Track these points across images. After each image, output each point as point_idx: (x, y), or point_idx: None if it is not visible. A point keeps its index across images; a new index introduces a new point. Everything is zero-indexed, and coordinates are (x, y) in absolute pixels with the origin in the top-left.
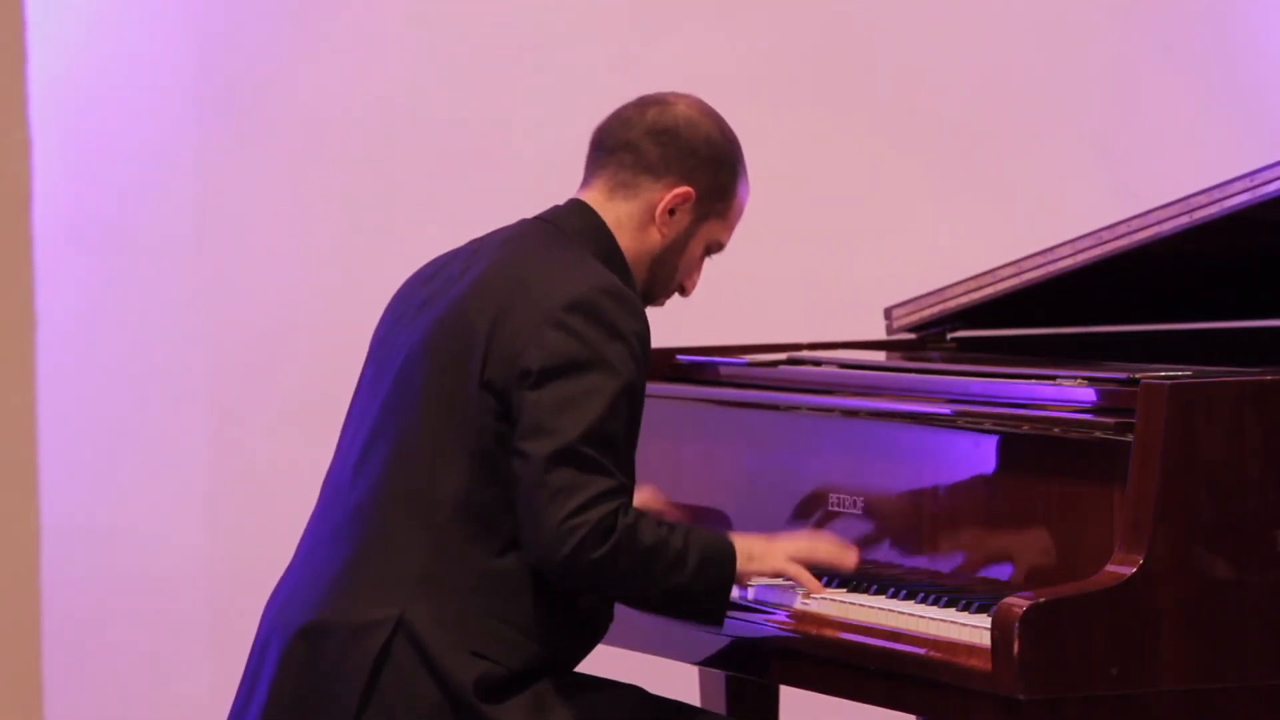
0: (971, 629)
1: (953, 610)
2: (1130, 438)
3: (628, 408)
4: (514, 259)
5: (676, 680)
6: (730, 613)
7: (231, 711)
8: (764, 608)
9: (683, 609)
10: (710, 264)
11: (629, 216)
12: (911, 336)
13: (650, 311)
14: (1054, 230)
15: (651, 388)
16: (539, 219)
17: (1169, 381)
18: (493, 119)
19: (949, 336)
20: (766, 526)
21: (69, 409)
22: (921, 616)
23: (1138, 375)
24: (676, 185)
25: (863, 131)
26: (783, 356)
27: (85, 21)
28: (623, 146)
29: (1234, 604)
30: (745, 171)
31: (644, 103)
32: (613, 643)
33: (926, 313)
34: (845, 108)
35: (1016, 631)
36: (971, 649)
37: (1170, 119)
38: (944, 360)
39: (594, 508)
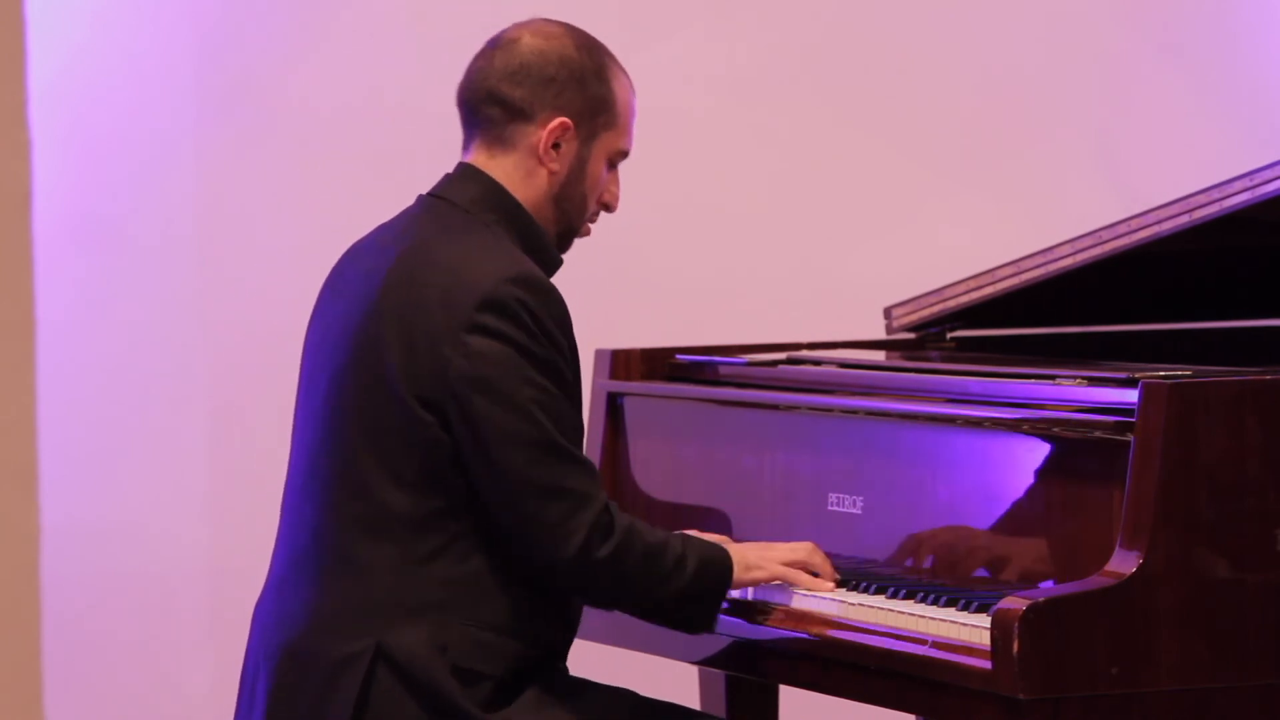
0: (971, 628)
1: (952, 610)
2: (1130, 437)
3: (569, 392)
4: (415, 256)
5: (676, 680)
6: (729, 613)
7: None
8: (763, 607)
9: (677, 616)
10: (710, 262)
11: (515, 167)
12: (911, 336)
13: (647, 311)
14: (1054, 230)
15: (651, 387)
16: (435, 196)
17: (1169, 381)
18: None
19: (949, 336)
20: (766, 526)
21: (69, 407)
22: (921, 616)
23: (1137, 375)
24: (550, 120)
25: (862, 131)
26: (782, 356)
27: (85, 21)
28: (485, 100)
29: (1234, 604)
30: (617, 70)
31: (490, 48)
32: (611, 642)
33: (926, 312)
34: (844, 107)
35: (1016, 631)
36: (971, 648)
37: (1170, 118)
38: (943, 360)
39: (586, 506)
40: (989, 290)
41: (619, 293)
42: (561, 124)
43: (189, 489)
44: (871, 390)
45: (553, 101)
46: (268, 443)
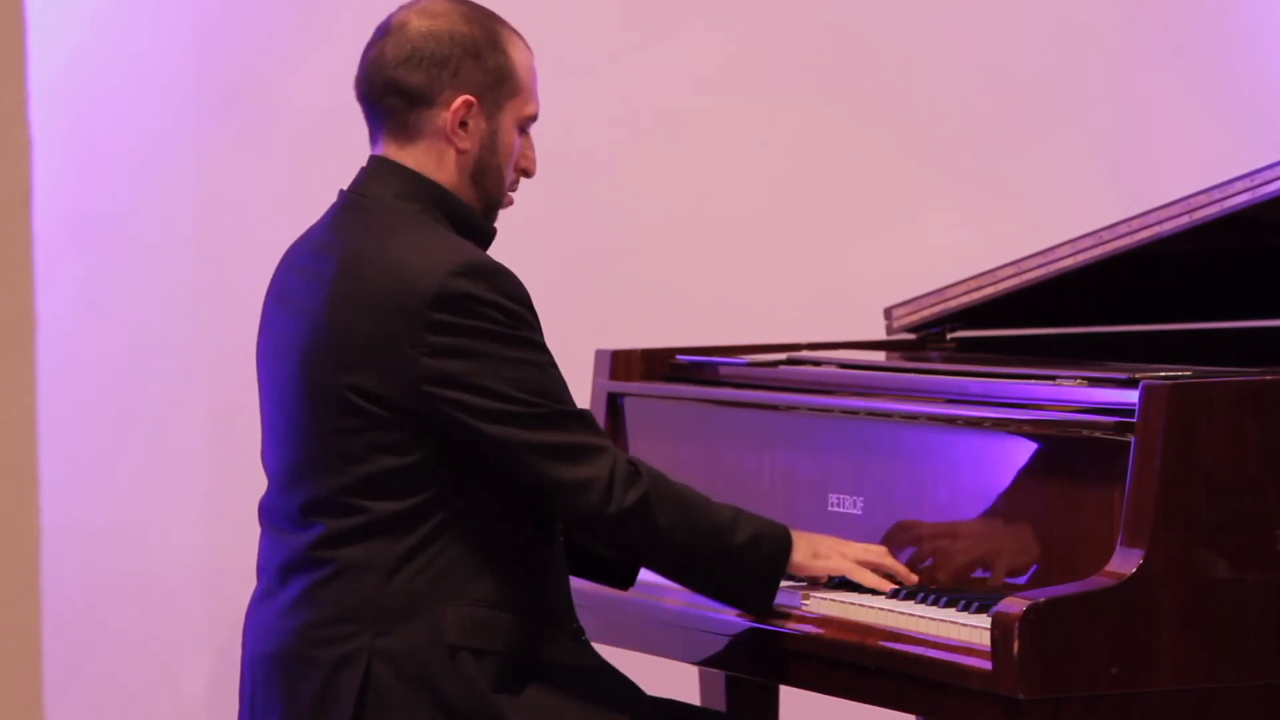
0: (971, 629)
1: (952, 610)
2: (1130, 438)
3: (545, 357)
4: (356, 264)
5: (676, 681)
6: (731, 613)
7: None
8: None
9: (729, 587)
10: (711, 263)
11: (426, 153)
12: (911, 337)
13: (647, 311)
14: (1054, 230)
15: (651, 388)
16: (356, 194)
17: (1169, 382)
18: None
19: (949, 336)
20: None
21: (69, 407)
22: (921, 616)
23: (1138, 375)
24: (452, 100)
25: (862, 131)
26: (782, 356)
27: (85, 20)
28: (383, 91)
29: (1234, 604)
30: (511, 35)
31: (379, 37)
32: (609, 642)
33: (926, 313)
34: (844, 107)
35: (1016, 631)
36: (971, 649)
37: (1171, 119)
38: (944, 360)
39: (599, 456)
40: (989, 291)
41: (619, 293)
42: (465, 102)
43: (189, 489)
44: (872, 391)
45: (451, 81)
46: None
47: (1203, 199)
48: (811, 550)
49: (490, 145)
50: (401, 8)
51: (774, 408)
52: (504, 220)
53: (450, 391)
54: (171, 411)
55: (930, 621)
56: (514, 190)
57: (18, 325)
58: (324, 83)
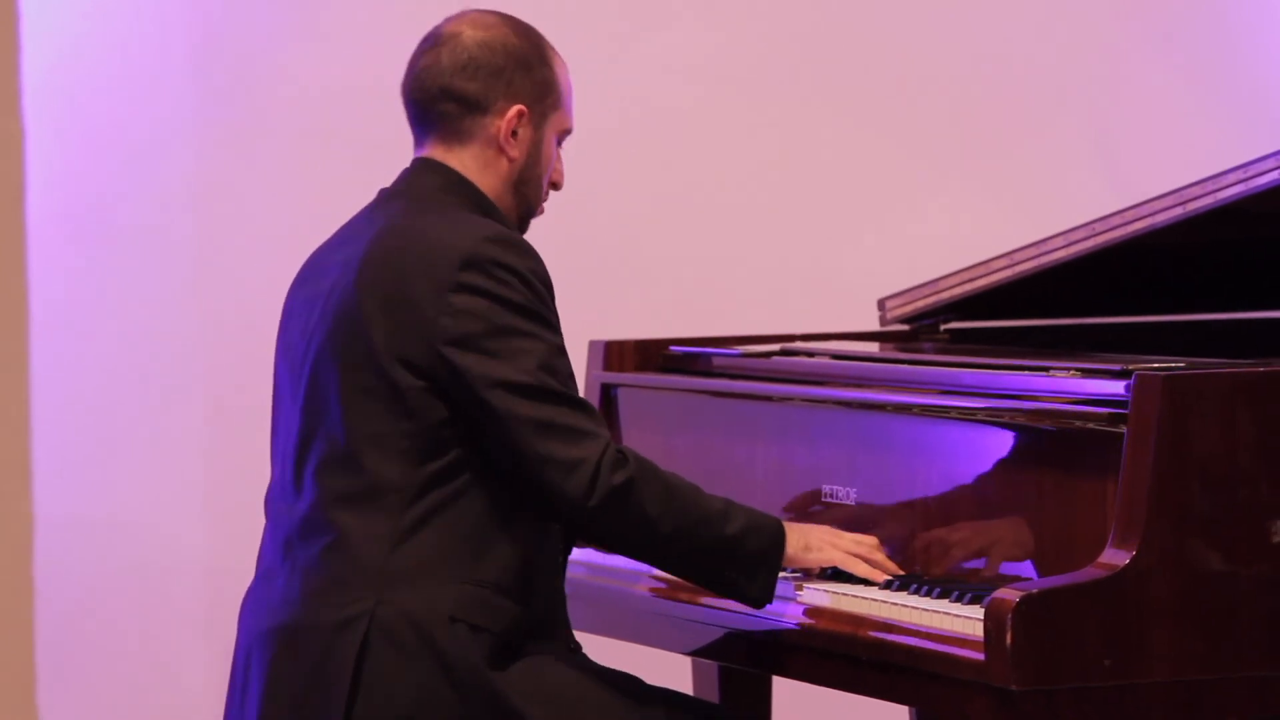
0: (964, 620)
1: (945, 601)
2: (1123, 429)
3: (558, 340)
4: (388, 235)
5: (669, 671)
6: (724, 604)
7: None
8: None
9: (724, 576)
10: (704, 254)
11: (475, 159)
12: (905, 328)
13: (640, 303)
14: (1048, 222)
15: (644, 379)
16: (396, 191)
17: (1162, 373)
18: None
19: (942, 328)
20: None
21: (64, 400)
22: (914, 607)
23: (1131, 367)
24: (506, 109)
25: (856, 122)
26: (776, 347)
27: (80, 10)
28: (439, 97)
29: (1227, 595)
30: (554, 52)
31: (434, 46)
32: (601, 633)
33: (920, 304)
34: (838, 98)
35: (1009, 622)
36: (964, 640)
37: (1165, 110)
38: (937, 351)
39: (590, 440)
40: (983, 282)
41: (613, 284)
42: (519, 111)
43: (185, 483)
44: (865, 382)
45: (505, 91)
46: (264, 435)
47: (1196, 190)
48: (803, 542)
49: (535, 155)
50: (450, 19)
51: (767, 399)
52: None
53: (463, 354)
54: (167, 405)
55: (923, 612)
56: (545, 202)
57: (11, 317)
58: (321, 73)
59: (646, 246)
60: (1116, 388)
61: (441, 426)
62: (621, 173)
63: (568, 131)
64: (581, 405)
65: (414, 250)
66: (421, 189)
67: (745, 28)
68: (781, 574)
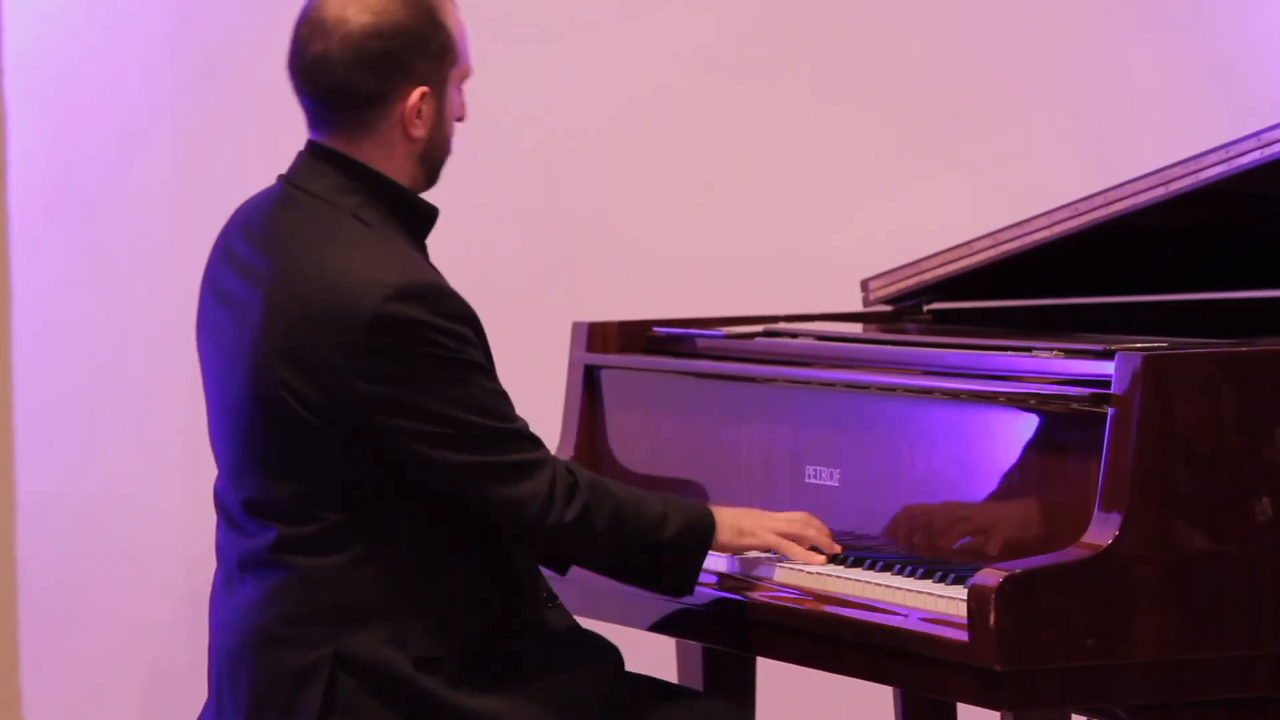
0: (948, 600)
1: (929, 582)
2: (1107, 409)
3: (482, 372)
4: (292, 274)
5: (652, 652)
6: (707, 585)
7: None
8: (740, 579)
9: (657, 578)
10: (687, 235)
11: (378, 147)
12: (888, 309)
13: (624, 284)
14: (1030, 202)
15: (628, 360)
16: (293, 186)
17: (1145, 353)
18: (474, 95)
19: (925, 309)
20: (743, 499)
21: (47, 382)
22: (898, 588)
23: (1114, 347)
24: (408, 93)
25: (840, 104)
26: (759, 328)
27: None
28: (333, 93)
29: (1210, 576)
30: (443, 6)
31: (320, 32)
32: (585, 614)
33: (903, 285)
34: (822, 80)
35: (993, 603)
36: (948, 620)
37: (1147, 92)
38: (920, 332)
39: (538, 472)
40: (965, 263)
41: (596, 266)
42: (420, 92)
43: (168, 464)
44: (849, 363)
45: (404, 76)
46: None
47: (1178, 171)
48: (736, 528)
49: (440, 122)
50: (328, 4)
51: (751, 380)
52: (480, 193)
53: (387, 415)
54: (149, 386)
55: (906, 593)
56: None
57: None
58: None
59: (630, 227)
60: (1100, 368)
61: (375, 473)
62: (605, 155)
63: (468, 74)
64: (518, 434)
65: (317, 307)
66: (318, 188)
67: (730, 10)
68: (770, 557)
